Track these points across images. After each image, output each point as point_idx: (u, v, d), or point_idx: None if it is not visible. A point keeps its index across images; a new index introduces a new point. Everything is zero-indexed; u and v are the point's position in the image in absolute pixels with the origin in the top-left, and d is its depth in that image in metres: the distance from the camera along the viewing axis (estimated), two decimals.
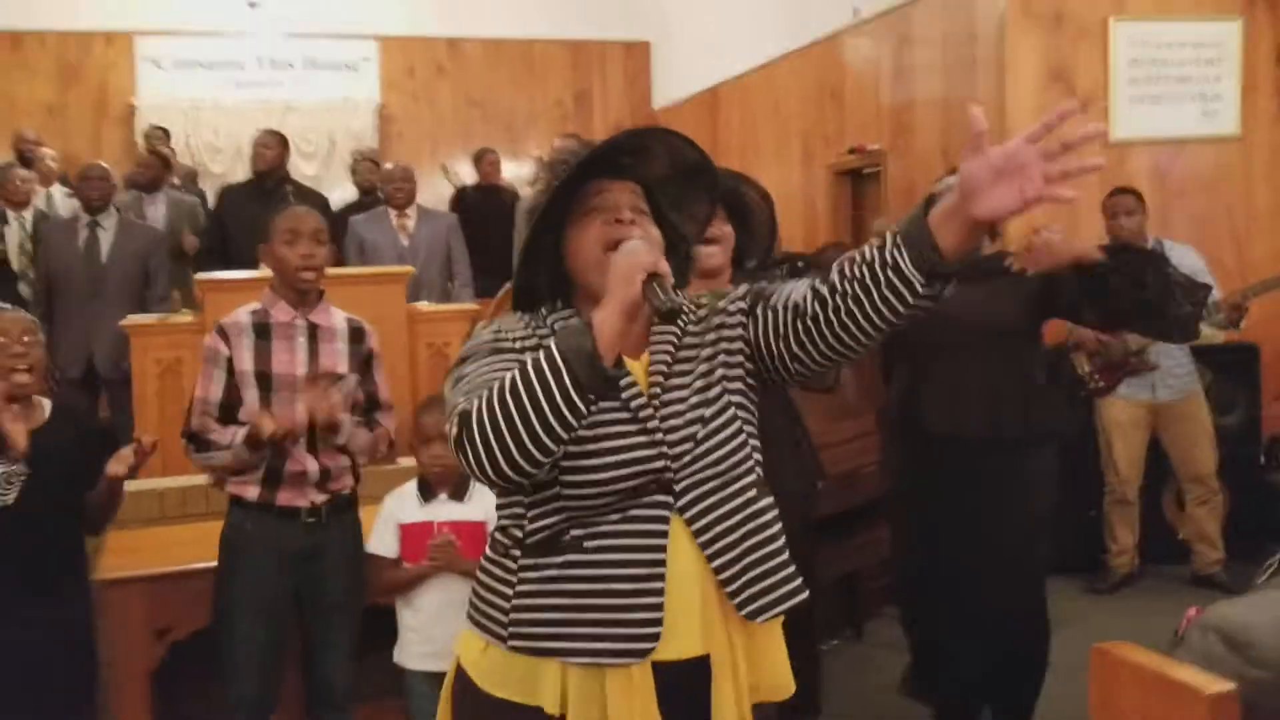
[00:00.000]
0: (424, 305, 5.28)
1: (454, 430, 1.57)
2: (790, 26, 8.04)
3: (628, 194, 1.74)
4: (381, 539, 3.14)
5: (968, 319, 3.11)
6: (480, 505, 3.11)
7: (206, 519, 3.52)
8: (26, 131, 8.37)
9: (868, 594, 4.58)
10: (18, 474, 2.74)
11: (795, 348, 1.67)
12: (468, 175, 8.69)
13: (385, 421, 3.13)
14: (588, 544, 1.65)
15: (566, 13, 10.53)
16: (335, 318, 3.07)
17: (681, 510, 1.67)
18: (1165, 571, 5.04)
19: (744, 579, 1.69)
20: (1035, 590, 3.35)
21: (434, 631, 3.05)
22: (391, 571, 3.12)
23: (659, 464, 1.66)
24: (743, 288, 1.79)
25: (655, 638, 1.63)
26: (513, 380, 1.54)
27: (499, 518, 1.77)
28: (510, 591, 1.70)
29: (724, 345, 1.75)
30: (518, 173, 10.05)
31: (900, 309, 1.56)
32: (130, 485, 3.06)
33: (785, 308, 1.68)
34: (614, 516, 1.65)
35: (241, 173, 7.74)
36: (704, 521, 1.68)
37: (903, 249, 1.53)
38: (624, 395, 1.67)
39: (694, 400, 1.71)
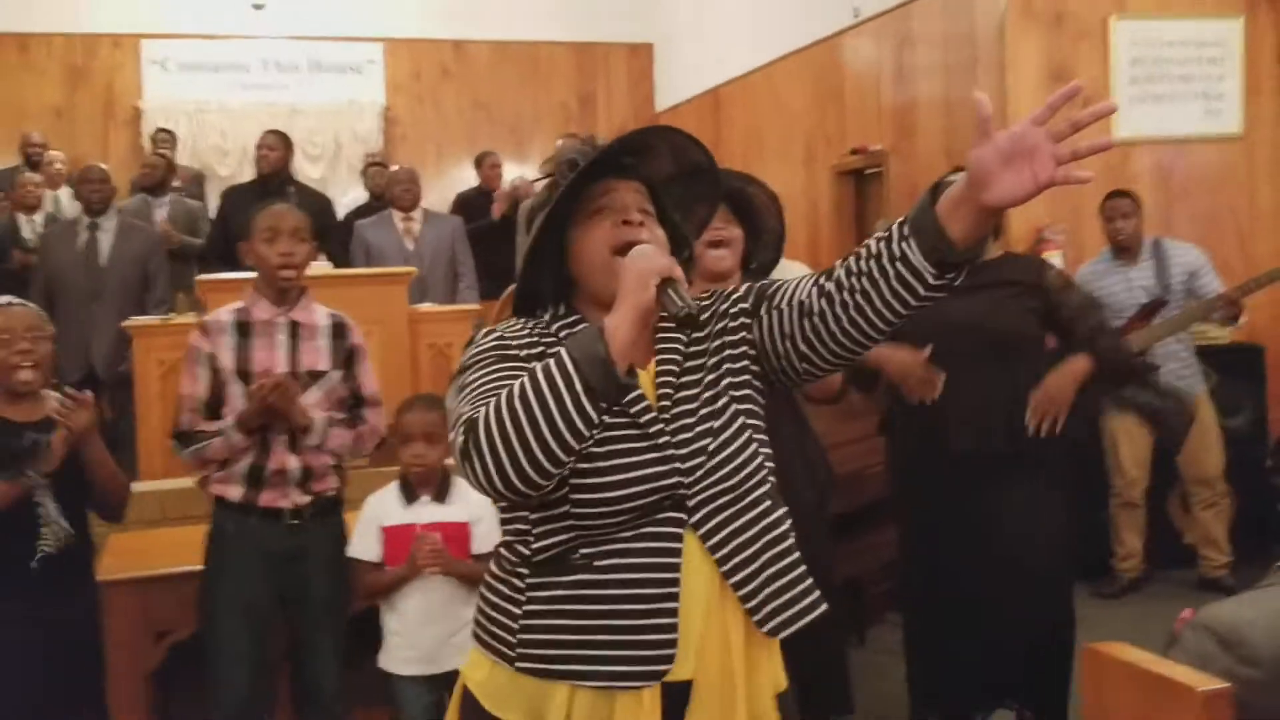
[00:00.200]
0: (425, 306, 5.29)
1: (460, 439, 1.52)
2: (791, 27, 8.04)
3: (634, 194, 1.71)
4: (364, 542, 3.07)
5: (971, 328, 3.09)
6: (463, 506, 3.08)
7: (207, 521, 3.52)
8: (33, 134, 8.40)
9: (870, 599, 4.55)
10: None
11: (803, 346, 1.62)
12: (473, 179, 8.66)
13: (371, 418, 3.11)
14: (598, 563, 1.59)
15: (571, 15, 10.54)
16: (317, 314, 3.06)
17: (695, 526, 1.61)
18: (1172, 576, 5.01)
19: (763, 594, 1.64)
20: (1050, 592, 3.29)
21: (418, 636, 3.02)
22: (374, 575, 3.05)
23: (672, 480, 1.60)
24: (743, 287, 1.74)
25: (669, 659, 1.58)
26: (521, 387, 1.50)
27: (503, 533, 1.72)
28: (518, 611, 1.64)
29: (728, 351, 1.69)
30: (522, 175, 10.07)
31: (911, 301, 1.52)
32: (132, 487, 3.08)
33: (790, 306, 1.63)
34: (626, 534, 1.59)
35: (248, 175, 7.75)
36: (719, 537, 1.62)
37: (911, 240, 1.49)
38: (632, 410, 1.61)
39: (703, 411, 1.65)
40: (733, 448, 1.65)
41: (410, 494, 3.10)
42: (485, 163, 7.94)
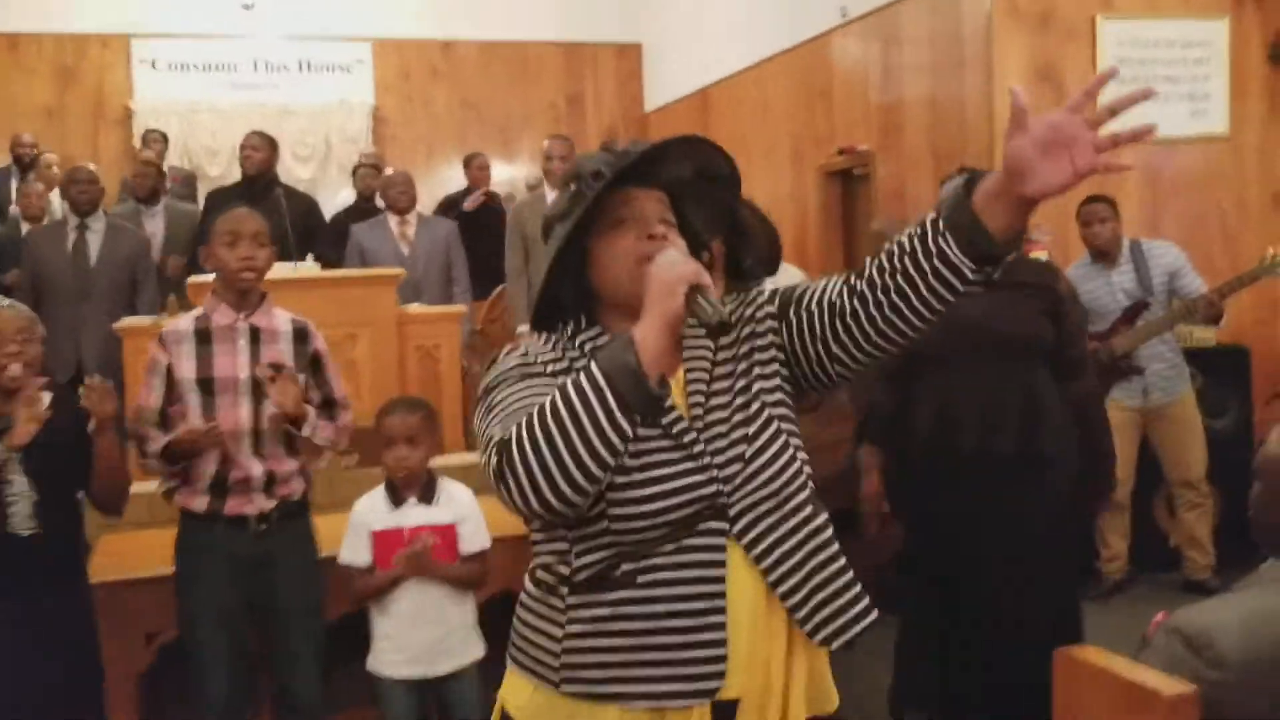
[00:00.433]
0: (414, 307, 5.29)
1: (493, 460, 1.48)
2: (779, 28, 8.05)
3: (655, 203, 1.67)
4: (354, 548, 3.08)
5: (983, 328, 3.08)
6: (449, 508, 3.10)
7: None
8: (24, 135, 8.35)
9: None
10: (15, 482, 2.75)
11: (835, 348, 1.61)
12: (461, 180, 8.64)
13: (344, 418, 3.11)
14: (641, 579, 1.56)
15: (559, 16, 10.55)
16: (278, 319, 3.05)
17: (738, 536, 1.58)
18: (1158, 579, 5.01)
19: (812, 603, 1.61)
20: (1057, 596, 3.28)
21: (408, 638, 3.04)
22: (365, 580, 3.07)
23: (711, 489, 1.57)
24: (769, 290, 1.72)
25: (720, 675, 1.55)
26: (553, 403, 1.46)
27: (539, 554, 1.68)
28: (560, 632, 1.60)
29: (757, 356, 1.67)
30: (511, 175, 10.07)
31: (948, 297, 1.51)
32: None
33: (820, 307, 1.62)
34: (667, 548, 1.56)
35: (238, 175, 7.74)
36: (763, 546, 1.59)
37: (948, 235, 1.48)
38: (664, 420, 1.58)
39: (736, 419, 1.62)
40: (770, 453, 1.62)
41: (396, 497, 3.11)
42: (473, 164, 7.92)
